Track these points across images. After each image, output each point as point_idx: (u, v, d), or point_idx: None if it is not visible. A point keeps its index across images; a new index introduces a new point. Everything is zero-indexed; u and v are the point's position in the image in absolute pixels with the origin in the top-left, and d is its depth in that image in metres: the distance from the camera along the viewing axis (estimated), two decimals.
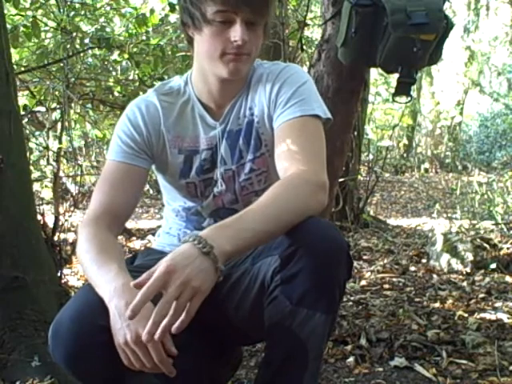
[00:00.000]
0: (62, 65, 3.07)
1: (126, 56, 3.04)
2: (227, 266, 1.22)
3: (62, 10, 3.07)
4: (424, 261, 3.47)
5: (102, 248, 1.12)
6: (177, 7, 2.96)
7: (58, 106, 3.15)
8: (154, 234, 4.66)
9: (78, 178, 3.66)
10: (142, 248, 3.91)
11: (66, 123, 3.02)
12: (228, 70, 1.20)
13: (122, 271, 1.05)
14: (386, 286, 2.87)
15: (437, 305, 2.51)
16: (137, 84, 3.32)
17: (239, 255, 1.08)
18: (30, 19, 2.86)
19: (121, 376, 1.08)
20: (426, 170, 11.72)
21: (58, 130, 3.10)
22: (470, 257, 3.15)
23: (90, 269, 1.09)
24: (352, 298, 2.59)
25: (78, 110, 3.52)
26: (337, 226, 1.30)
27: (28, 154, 2.32)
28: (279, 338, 1.08)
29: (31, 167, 3.22)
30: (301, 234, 1.05)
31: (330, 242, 1.05)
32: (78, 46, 3.10)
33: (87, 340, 1.01)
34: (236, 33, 1.16)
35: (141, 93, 3.09)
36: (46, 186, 3.61)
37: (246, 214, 1.04)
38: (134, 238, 4.41)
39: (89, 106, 3.55)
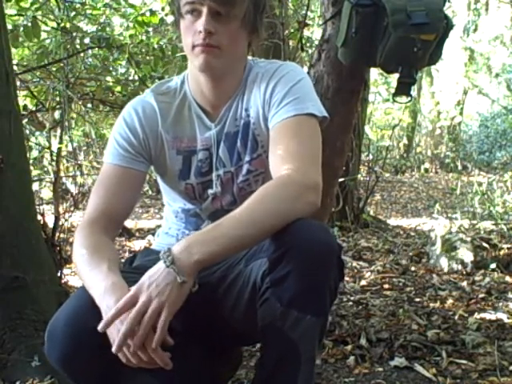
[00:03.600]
0: (62, 65, 3.07)
1: (126, 55, 3.04)
2: (222, 268, 1.22)
3: (61, 10, 3.07)
4: (424, 261, 3.47)
5: (94, 250, 1.12)
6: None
7: (57, 106, 3.15)
8: (153, 234, 4.64)
9: (78, 178, 3.66)
10: (142, 248, 3.91)
11: (66, 123, 3.02)
12: (198, 62, 1.19)
13: (112, 271, 1.05)
14: (386, 286, 2.87)
15: (437, 305, 2.51)
16: (137, 84, 3.31)
17: (219, 260, 1.08)
18: (30, 19, 2.85)
19: (115, 378, 1.08)
20: (426, 170, 11.71)
21: (58, 130, 3.10)
22: (470, 257, 3.15)
23: (83, 271, 1.10)
24: (352, 298, 2.59)
25: (78, 110, 3.52)
26: (332, 227, 1.29)
27: (28, 154, 2.32)
28: (272, 340, 1.08)
29: (31, 167, 3.22)
30: (289, 236, 1.04)
31: (318, 245, 1.04)
32: (78, 46, 3.10)
33: (81, 342, 1.02)
34: (200, 23, 1.16)
35: (141, 92, 3.09)
36: (45, 186, 3.61)
37: (226, 219, 1.04)
38: (134, 238, 4.41)
39: (89, 106, 3.55)
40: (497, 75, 12.53)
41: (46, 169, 4.20)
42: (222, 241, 1.02)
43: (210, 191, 1.31)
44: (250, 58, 1.34)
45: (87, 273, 1.08)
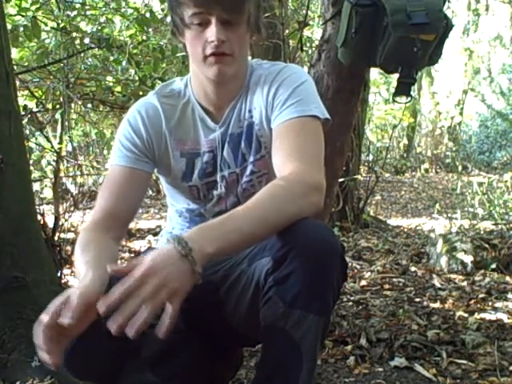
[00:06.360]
0: (62, 65, 3.07)
1: (126, 56, 3.04)
2: (225, 267, 1.22)
3: (61, 10, 3.07)
4: (424, 261, 3.47)
5: (85, 246, 1.13)
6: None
7: (58, 106, 3.15)
8: (154, 234, 4.65)
9: (78, 178, 3.66)
10: (142, 248, 3.91)
11: (66, 123, 3.02)
12: (212, 72, 1.20)
13: (92, 262, 1.05)
14: (386, 286, 2.87)
15: (437, 305, 2.51)
16: (137, 84, 3.31)
17: (225, 256, 1.08)
18: (30, 19, 2.85)
19: (115, 372, 1.09)
20: (426, 170, 11.71)
21: (58, 130, 3.10)
22: (470, 257, 3.16)
23: (76, 267, 1.10)
24: (352, 298, 2.59)
25: (78, 110, 3.52)
26: (332, 227, 1.29)
27: (28, 154, 2.33)
28: (274, 339, 1.08)
29: (31, 167, 3.22)
30: (293, 235, 1.04)
31: (322, 245, 1.04)
32: (78, 46, 3.10)
33: (82, 336, 1.02)
34: (211, 33, 1.16)
35: (141, 93, 3.10)
36: (45, 186, 3.61)
37: (233, 215, 1.03)
38: (134, 238, 4.42)
39: (89, 106, 3.55)
40: (492, 80, 12.54)
41: (45, 169, 4.21)
42: (234, 236, 1.01)
43: (215, 192, 1.32)
44: (253, 59, 1.34)
45: (78, 268, 1.08)
